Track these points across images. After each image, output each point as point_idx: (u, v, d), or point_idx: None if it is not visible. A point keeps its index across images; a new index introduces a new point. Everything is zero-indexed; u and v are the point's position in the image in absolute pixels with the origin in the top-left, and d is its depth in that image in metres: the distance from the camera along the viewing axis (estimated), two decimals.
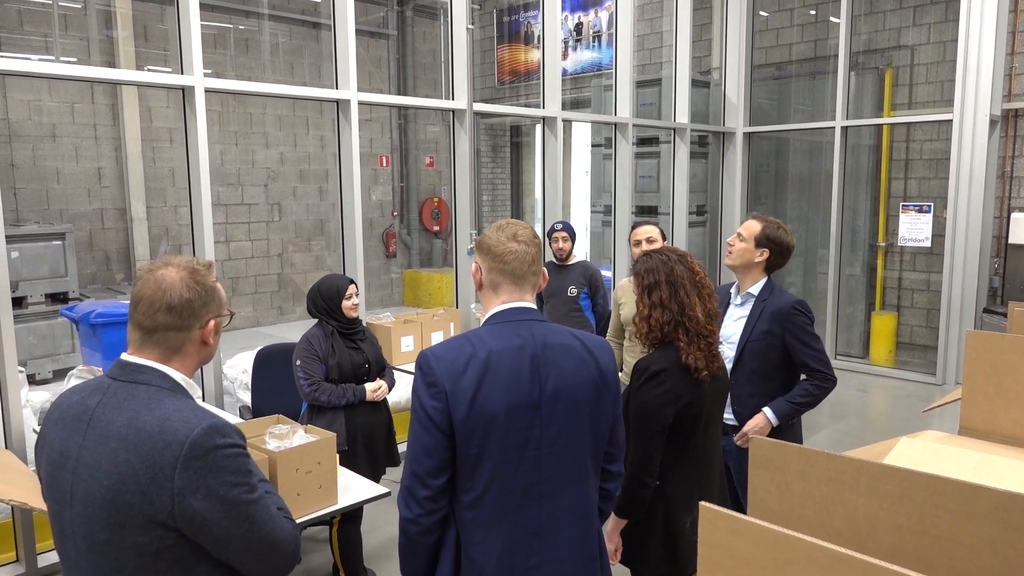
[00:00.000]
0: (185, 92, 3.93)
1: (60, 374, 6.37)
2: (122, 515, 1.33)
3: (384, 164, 10.58)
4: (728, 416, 2.84)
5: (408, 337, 4.79)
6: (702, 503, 1.35)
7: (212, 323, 1.48)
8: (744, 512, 2.79)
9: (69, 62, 7.37)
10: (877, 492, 1.54)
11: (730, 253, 2.90)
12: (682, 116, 7.26)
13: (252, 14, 8.93)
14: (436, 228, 11.21)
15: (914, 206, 7.17)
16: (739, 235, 2.90)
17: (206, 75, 3.93)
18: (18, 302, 6.41)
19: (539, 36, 10.68)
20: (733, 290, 2.96)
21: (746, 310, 2.86)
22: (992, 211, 7.00)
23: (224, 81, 4.16)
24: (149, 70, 7.87)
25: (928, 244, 7.12)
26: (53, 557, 3.67)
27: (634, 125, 6.76)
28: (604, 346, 1.81)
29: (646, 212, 7.97)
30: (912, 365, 7.39)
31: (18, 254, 6.46)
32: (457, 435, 1.64)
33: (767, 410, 2.79)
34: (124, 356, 1.46)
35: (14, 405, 3.57)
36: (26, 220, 7.16)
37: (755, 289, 2.86)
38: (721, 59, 8.12)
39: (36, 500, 2.62)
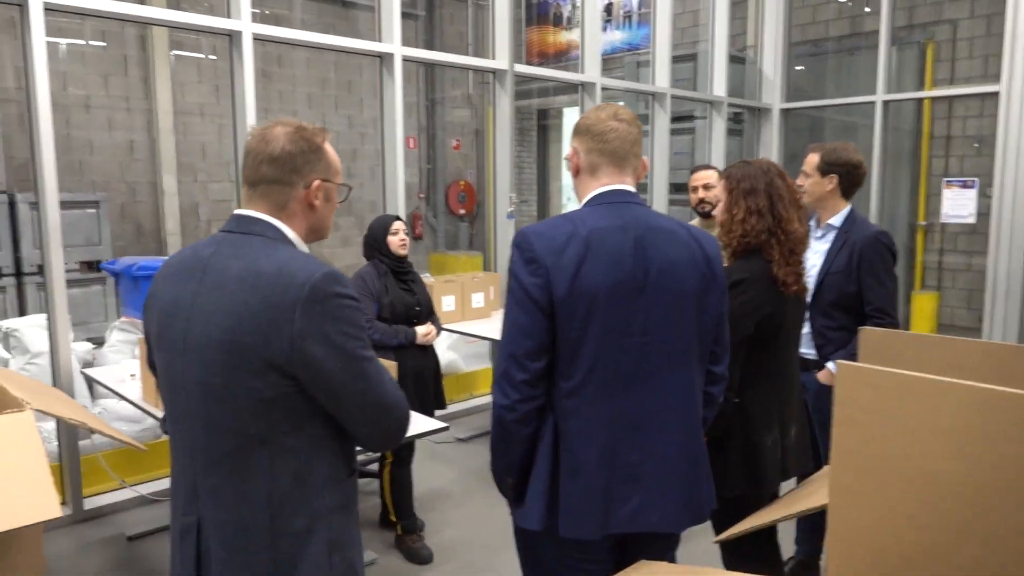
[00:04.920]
0: (232, 38, 3.90)
1: (93, 343, 6.37)
2: (239, 358, 1.31)
3: (411, 146, 10.56)
4: (809, 351, 2.76)
5: (449, 297, 4.74)
6: (839, 361, 1.29)
7: (317, 183, 1.45)
8: (820, 456, 2.71)
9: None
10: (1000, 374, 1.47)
11: (803, 193, 2.84)
12: (719, 89, 7.17)
13: None
14: (462, 211, 11.17)
15: (958, 181, 7.03)
16: (803, 172, 2.84)
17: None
18: None
19: (568, 18, 10.64)
20: (812, 223, 2.87)
21: (827, 242, 2.78)
22: None
23: (271, 28, 4.12)
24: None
25: (973, 220, 6.98)
26: (100, 501, 3.66)
27: (672, 96, 6.68)
28: (710, 237, 1.73)
29: (680, 190, 7.88)
30: None
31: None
32: (558, 315, 1.56)
33: (830, 364, 2.72)
34: (237, 211, 1.45)
35: (63, 349, 3.57)
36: (62, 190, 7.17)
37: (836, 220, 2.78)
38: (756, 36, 8.03)
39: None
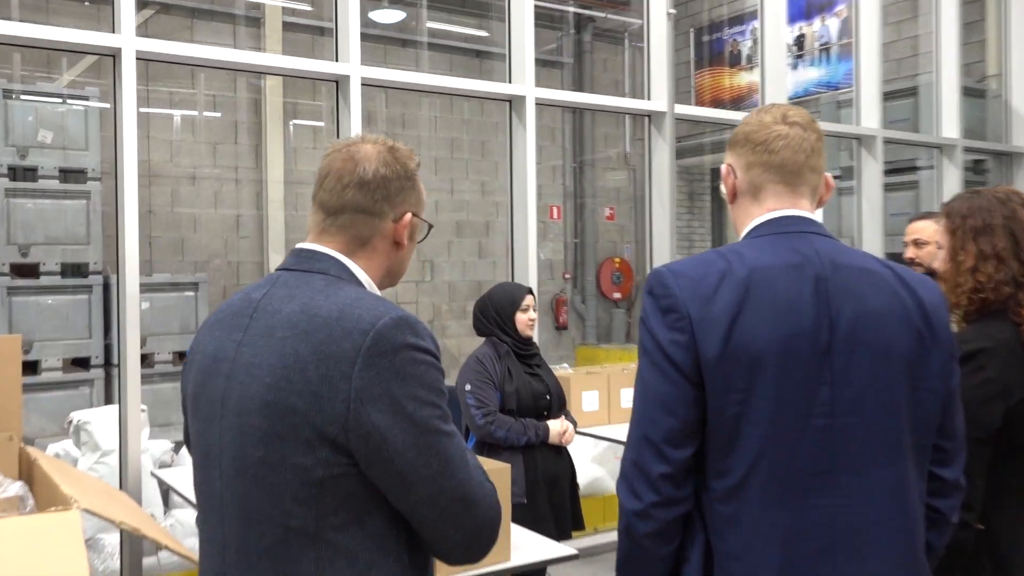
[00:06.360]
0: (339, 83, 4.14)
1: (179, 444, 6.73)
2: (283, 424, 1.26)
3: (555, 216, 10.69)
4: None
5: (592, 392, 4.62)
6: None
7: (408, 216, 1.44)
8: None
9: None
10: None
11: None
12: (950, 130, 6.78)
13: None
14: (617, 295, 11.09)
15: None
16: None
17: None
18: (144, 359, 6.90)
19: (748, 56, 10.60)
20: None
21: None
22: None
23: (382, 71, 4.37)
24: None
25: None
26: None
27: (885, 140, 6.38)
28: (928, 280, 1.53)
29: (899, 260, 7.41)
30: None
31: (148, 305, 7.02)
32: (708, 384, 1.40)
33: None
34: (300, 244, 1.45)
35: (132, 446, 3.79)
36: (160, 270, 7.82)
37: None
38: (1001, 63, 7.60)
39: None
